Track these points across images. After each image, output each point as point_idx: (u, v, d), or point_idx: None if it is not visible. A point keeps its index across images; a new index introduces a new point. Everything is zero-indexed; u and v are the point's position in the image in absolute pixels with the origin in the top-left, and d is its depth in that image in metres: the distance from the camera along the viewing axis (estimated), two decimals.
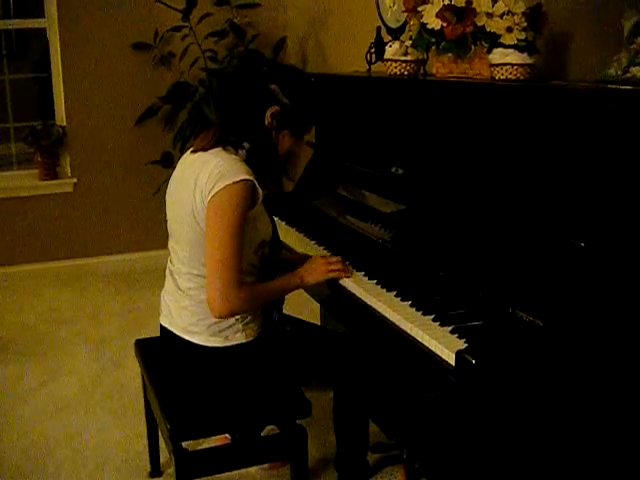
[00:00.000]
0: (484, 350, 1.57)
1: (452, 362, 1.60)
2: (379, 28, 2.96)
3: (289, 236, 2.63)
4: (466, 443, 1.88)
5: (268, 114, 2.04)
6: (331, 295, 2.28)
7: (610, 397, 1.60)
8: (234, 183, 1.90)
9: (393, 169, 2.33)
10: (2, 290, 4.41)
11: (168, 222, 2.14)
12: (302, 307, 2.98)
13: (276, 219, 2.75)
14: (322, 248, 2.46)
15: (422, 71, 2.58)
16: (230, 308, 1.94)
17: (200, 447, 2.24)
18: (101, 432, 2.85)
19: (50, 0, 4.29)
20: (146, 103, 4.40)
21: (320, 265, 2.16)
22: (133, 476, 2.57)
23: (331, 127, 2.93)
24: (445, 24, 2.10)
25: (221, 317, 1.97)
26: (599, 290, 1.60)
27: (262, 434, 2.36)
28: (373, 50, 2.94)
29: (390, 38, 2.83)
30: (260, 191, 1.99)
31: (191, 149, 2.10)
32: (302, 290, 2.31)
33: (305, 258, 2.26)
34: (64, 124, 4.48)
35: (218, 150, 2.02)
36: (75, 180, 4.55)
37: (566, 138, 1.70)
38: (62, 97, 4.45)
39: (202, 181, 1.94)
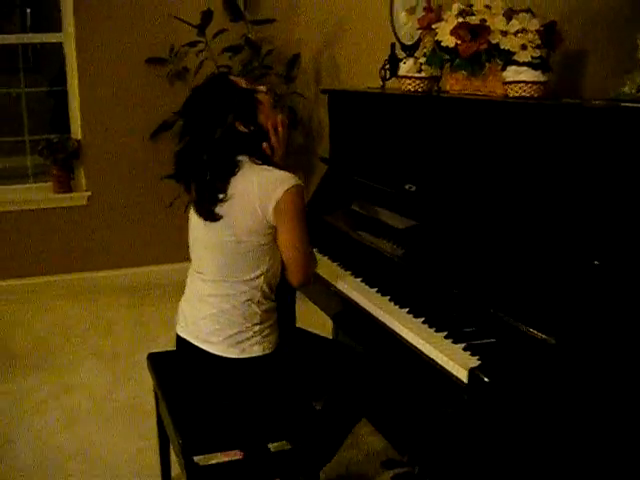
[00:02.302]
0: (497, 368, 1.56)
1: (465, 379, 1.60)
2: (393, 45, 2.97)
3: None
4: (478, 460, 1.87)
5: (240, 128, 2.07)
6: (343, 311, 2.29)
7: (622, 416, 1.59)
8: (294, 186, 2.01)
9: (407, 186, 2.34)
10: (15, 302, 4.43)
11: (191, 231, 2.16)
12: (314, 321, 2.99)
13: None
14: (336, 264, 2.46)
15: (436, 88, 2.59)
16: (309, 278, 2.15)
17: (211, 462, 2.24)
18: (112, 445, 2.86)
19: (67, 15, 4.34)
20: (161, 118, 4.43)
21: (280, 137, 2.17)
22: None
23: (345, 143, 2.93)
24: (459, 41, 2.11)
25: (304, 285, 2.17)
26: (612, 308, 1.59)
27: (272, 449, 2.35)
28: (387, 66, 2.95)
29: (404, 55, 2.84)
30: None
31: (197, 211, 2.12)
32: (315, 306, 2.32)
33: None
34: (79, 137, 4.52)
35: (250, 165, 2.07)
36: (90, 193, 4.58)
37: (580, 156, 1.70)
38: (78, 111, 4.48)
39: (257, 197, 1.99)
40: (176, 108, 4.34)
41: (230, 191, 2.02)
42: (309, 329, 2.39)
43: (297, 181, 2.02)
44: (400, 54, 2.93)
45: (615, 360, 1.57)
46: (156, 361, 2.41)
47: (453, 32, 2.11)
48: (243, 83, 2.15)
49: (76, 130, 4.54)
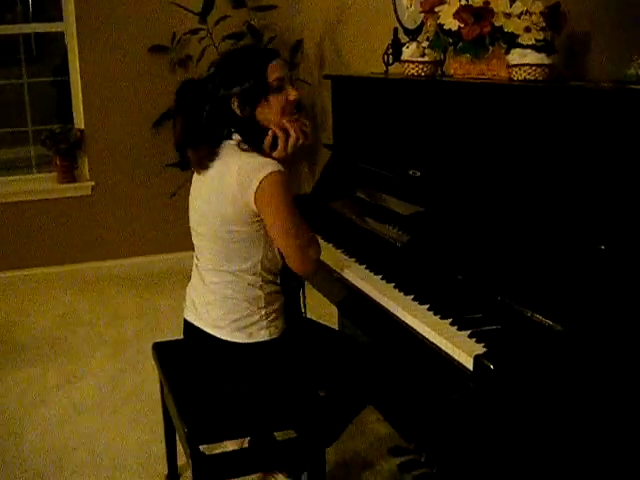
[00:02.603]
0: (503, 355, 1.55)
1: (470, 367, 1.58)
2: (396, 29, 2.94)
3: None
4: (484, 447, 1.86)
5: (236, 109, 2.03)
6: (347, 298, 2.27)
7: (630, 403, 1.58)
8: (274, 172, 1.93)
9: (411, 171, 2.32)
10: (21, 293, 4.44)
11: (191, 221, 2.15)
12: (322, 311, 2.98)
13: None
14: (340, 251, 2.44)
15: (440, 72, 2.57)
16: (312, 268, 2.08)
17: (217, 450, 2.24)
18: (119, 435, 2.86)
19: (68, 4, 4.32)
20: (163, 106, 4.38)
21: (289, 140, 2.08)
22: (150, 479, 2.57)
23: (348, 129, 2.91)
24: (462, 25, 2.08)
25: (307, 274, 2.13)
26: (619, 294, 1.57)
27: (278, 438, 2.35)
28: (390, 51, 2.92)
29: (407, 39, 2.81)
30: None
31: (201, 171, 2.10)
32: (323, 297, 2.30)
33: None
34: (82, 127, 4.51)
35: (233, 149, 2.02)
36: (93, 183, 4.58)
37: (585, 140, 1.68)
38: (80, 100, 4.48)
39: (232, 182, 1.95)
40: None
41: (211, 170, 2.01)
42: (316, 319, 2.38)
43: (278, 167, 1.95)
44: (403, 38, 2.90)
45: (623, 346, 1.56)
46: (161, 350, 2.40)
47: (456, 15, 2.08)
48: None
49: (79, 120, 4.53)
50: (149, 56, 4.44)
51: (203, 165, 2.04)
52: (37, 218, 4.51)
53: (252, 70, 2.02)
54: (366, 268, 2.24)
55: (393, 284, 2.09)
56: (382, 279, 2.15)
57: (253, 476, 2.45)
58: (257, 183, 1.92)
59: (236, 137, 2.05)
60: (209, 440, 2.03)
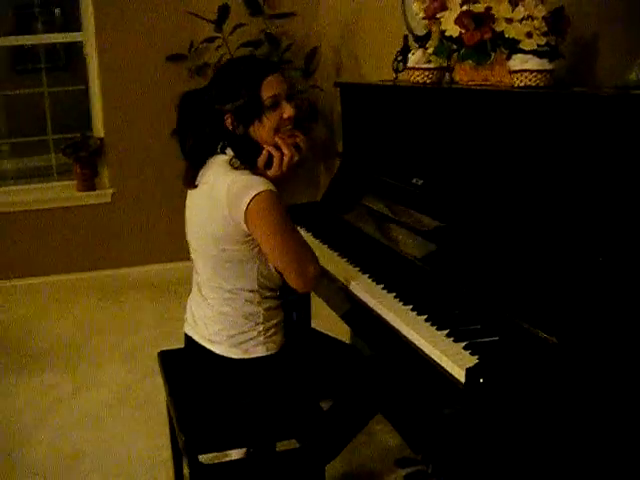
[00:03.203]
0: (494, 368, 1.51)
1: (462, 379, 1.55)
2: (406, 36, 2.92)
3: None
4: (478, 460, 1.82)
5: (229, 125, 1.99)
6: (351, 309, 2.25)
7: (623, 417, 1.53)
8: (263, 192, 1.88)
9: (414, 180, 2.29)
10: (40, 299, 4.50)
11: (187, 237, 2.14)
12: (332, 325, 2.96)
13: (302, 230, 2.74)
14: (345, 260, 2.42)
15: (448, 79, 2.53)
16: (313, 285, 2.05)
17: (224, 459, 2.24)
18: (128, 443, 2.87)
19: (87, 14, 4.37)
20: None
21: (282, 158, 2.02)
22: None
23: (357, 136, 2.89)
24: (463, 30, 2.05)
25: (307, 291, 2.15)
26: (617, 307, 1.53)
27: (279, 449, 2.34)
28: (400, 58, 2.90)
29: (416, 46, 2.78)
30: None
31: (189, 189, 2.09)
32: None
33: None
34: (102, 136, 4.55)
35: (224, 166, 1.97)
36: (113, 191, 4.62)
37: (583, 147, 1.64)
38: (100, 109, 4.52)
39: (222, 202, 1.91)
40: None
41: (202, 186, 1.99)
42: (326, 332, 2.37)
43: (268, 186, 1.90)
44: (413, 45, 2.87)
45: (619, 360, 1.51)
46: (166, 359, 2.41)
47: (457, 21, 2.05)
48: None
49: (99, 128, 4.57)
50: (167, 64, 4.47)
51: (189, 184, 2.03)
52: (57, 225, 4.56)
53: (245, 87, 1.96)
54: (369, 277, 2.22)
55: (394, 294, 2.06)
56: (383, 289, 2.12)
57: None
58: (246, 203, 1.87)
59: (229, 152, 2.01)
60: (207, 450, 2.02)
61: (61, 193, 4.60)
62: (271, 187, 1.90)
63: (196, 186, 2.03)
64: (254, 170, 1.99)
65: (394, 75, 2.94)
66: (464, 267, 1.94)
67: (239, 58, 2.16)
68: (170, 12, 4.41)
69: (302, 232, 2.71)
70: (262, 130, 2.00)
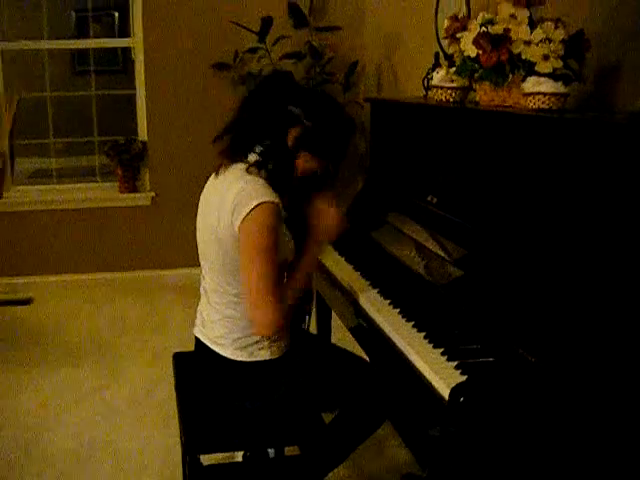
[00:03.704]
0: (477, 388, 1.52)
1: (446, 397, 1.56)
2: (437, 54, 2.93)
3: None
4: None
5: (291, 135, 2.03)
6: (358, 325, 2.26)
7: (598, 432, 1.51)
8: (263, 204, 1.90)
9: (429, 197, 2.30)
10: (76, 296, 4.63)
11: (198, 241, 2.18)
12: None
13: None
14: (358, 274, 2.44)
15: (476, 98, 2.54)
16: (277, 326, 1.97)
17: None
18: (144, 440, 2.93)
19: (136, 20, 4.49)
20: (224, 122, 4.49)
21: (335, 217, 2.11)
22: None
23: (384, 152, 2.91)
24: (481, 51, 2.06)
25: (269, 335, 2.02)
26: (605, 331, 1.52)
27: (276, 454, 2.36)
28: (430, 76, 2.91)
29: (446, 64, 2.79)
30: (282, 212, 2.00)
31: (214, 174, 2.12)
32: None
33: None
34: (145, 139, 4.66)
35: (241, 172, 2.00)
36: (153, 194, 4.72)
37: (589, 173, 1.63)
38: (144, 113, 4.63)
39: (227, 207, 1.94)
40: None
41: (216, 189, 2.03)
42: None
43: (273, 198, 1.92)
44: (443, 63, 2.88)
45: (600, 386, 1.50)
46: (178, 360, 2.46)
47: (474, 42, 2.06)
48: None
49: (142, 132, 4.69)
50: (212, 72, 4.55)
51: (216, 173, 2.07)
52: (98, 225, 4.70)
53: (336, 129, 2.06)
54: (378, 292, 2.23)
55: (398, 310, 2.08)
56: (390, 304, 2.13)
57: None
58: (247, 212, 1.90)
59: (252, 158, 2.04)
60: (205, 450, 2.06)
61: (103, 194, 4.73)
62: (276, 200, 1.93)
63: (217, 174, 2.06)
64: (268, 180, 2.00)
65: (424, 92, 2.96)
66: (471, 289, 1.94)
67: (341, 107, 2.18)
68: (217, 21, 4.50)
69: None
70: (303, 162, 2.06)
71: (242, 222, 1.90)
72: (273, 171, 2.02)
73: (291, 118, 2.02)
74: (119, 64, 6.84)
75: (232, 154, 2.09)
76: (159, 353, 3.77)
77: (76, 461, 2.78)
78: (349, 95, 4.37)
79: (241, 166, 2.03)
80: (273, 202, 1.92)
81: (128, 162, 4.61)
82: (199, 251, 2.17)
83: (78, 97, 5.14)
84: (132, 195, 4.71)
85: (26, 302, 4.52)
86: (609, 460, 1.48)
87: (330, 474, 2.55)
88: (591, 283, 1.58)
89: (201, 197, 2.15)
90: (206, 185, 2.15)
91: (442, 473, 2.19)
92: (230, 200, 1.94)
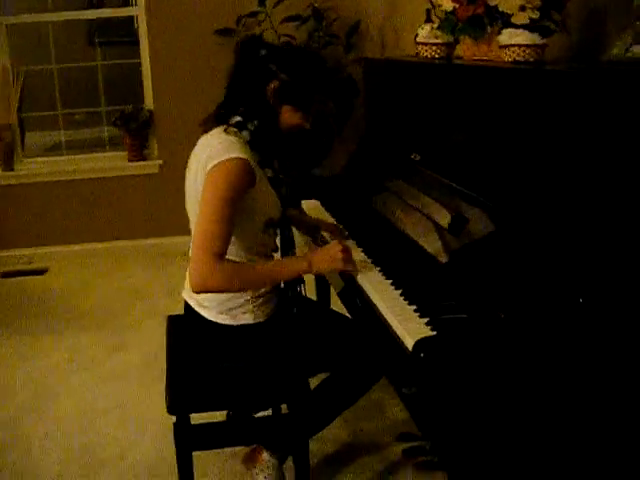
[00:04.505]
0: (440, 343, 1.52)
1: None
2: (428, 10, 2.87)
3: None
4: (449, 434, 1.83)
5: (269, 91, 2.05)
6: (345, 287, 2.27)
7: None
8: (227, 160, 1.91)
9: (412, 155, 2.28)
10: (87, 265, 4.71)
11: (185, 205, 2.20)
12: None
13: (316, 203, 2.78)
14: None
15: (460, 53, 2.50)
16: (204, 283, 1.89)
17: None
18: (147, 405, 2.98)
19: None
20: None
21: (337, 253, 2.01)
22: (168, 447, 2.67)
23: (378, 112, 2.89)
24: (457, 5, 2.02)
25: (197, 292, 1.96)
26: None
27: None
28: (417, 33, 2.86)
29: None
30: (259, 170, 2.02)
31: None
32: None
33: (317, 226, 2.34)
34: (152, 108, 4.68)
35: (219, 132, 2.04)
36: (161, 162, 4.75)
37: (574, 125, 1.60)
38: (150, 82, 4.64)
39: (201, 166, 1.98)
40: None
41: (197, 147, 2.07)
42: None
43: (245, 155, 1.94)
44: (436, 20, 2.83)
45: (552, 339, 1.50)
46: (171, 323, 2.50)
47: None
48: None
49: (149, 101, 4.70)
50: (215, 38, 4.52)
51: (207, 128, 2.11)
52: (107, 194, 4.75)
53: (314, 80, 2.10)
54: (363, 252, 2.24)
55: (379, 268, 2.08)
56: (372, 263, 2.13)
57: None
58: (213, 165, 1.92)
59: (233, 120, 2.06)
60: (188, 410, 2.08)
61: (112, 163, 4.77)
62: (243, 156, 1.94)
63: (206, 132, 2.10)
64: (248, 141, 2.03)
65: (416, 49, 2.91)
66: (453, 249, 1.93)
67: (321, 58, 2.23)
68: None
69: (316, 203, 2.77)
70: (288, 116, 2.09)
71: (207, 175, 1.93)
72: (256, 130, 2.04)
73: (267, 74, 2.05)
74: (134, 35, 6.86)
75: (216, 119, 2.11)
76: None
77: (81, 423, 2.85)
78: (351, 56, 4.32)
79: (220, 128, 2.06)
80: (241, 158, 1.93)
81: (135, 131, 4.63)
82: (189, 217, 2.19)
83: (93, 68, 5.16)
84: (140, 163, 4.74)
85: (40, 272, 4.61)
86: (568, 418, 1.48)
87: (330, 435, 2.61)
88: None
89: (187, 168, 2.17)
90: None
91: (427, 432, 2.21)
92: (204, 160, 1.97)
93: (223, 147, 1.96)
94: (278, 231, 2.22)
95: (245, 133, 2.05)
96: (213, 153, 1.95)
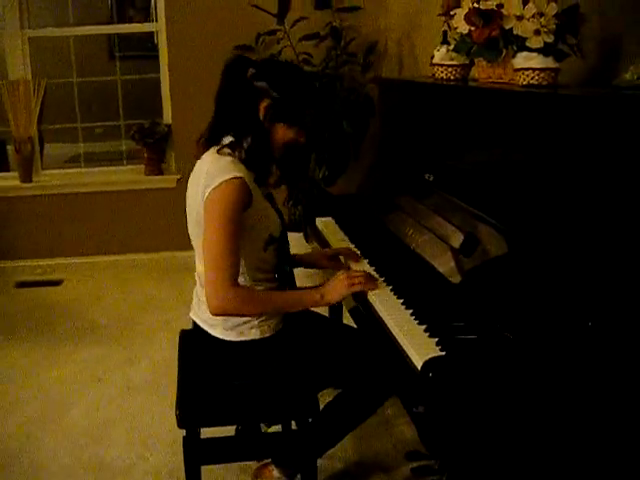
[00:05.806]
0: (449, 364, 1.53)
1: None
2: (445, 32, 2.90)
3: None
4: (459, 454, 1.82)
5: (261, 109, 2.06)
6: (355, 307, 2.28)
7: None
8: (223, 182, 1.92)
9: (426, 175, 2.30)
10: (103, 277, 4.76)
11: (187, 227, 2.22)
12: None
13: (330, 220, 2.80)
14: (354, 245, 2.47)
15: (475, 75, 2.52)
16: (223, 307, 1.95)
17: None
18: (157, 416, 3.00)
19: (160, 5, 4.54)
20: None
21: (343, 280, 2.07)
22: (178, 460, 2.68)
23: (392, 132, 2.91)
24: (472, 28, 2.04)
25: (215, 315, 2.00)
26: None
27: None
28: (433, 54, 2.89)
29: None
30: (255, 187, 2.03)
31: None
32: None
33: (321, 260, 2.35)
34: (170, 122, 4.73)
35: (212, 154, 2.05)
36: (179, 176, 4.79)
37: (585, 149, 1.61)
38: (168, 97, 4.70)
39: (199, 189, 1.99)
40: None
41: (194, 171, 2.09)
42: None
43: (242, 174, 1.95)
44: (452, 42, 2.85)
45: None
46: (183, 337, 2.52)
47: (466, 18, 2.05)
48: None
49: (167, 115, 4.75)
50: (234, 56, 4.57)
51: (199, 153, 2.13)
52: (124, 208, 4.79)
53: (305, 95, 2.11)
54: (374, 277, 2.24)
55: (391, 287, 2.09)
56: (384, 281, 2.14)
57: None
58: (211, 189, 1.93)
59: (226, 140, 2.07)
60: (196, 425, 2.10)
61: (130, 177, 4.82)
62: (239, 174, 1.94)
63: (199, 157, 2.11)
64: (242, 160, 2.03)
65: (432, 70, 2.93)
66: (465, 269, 1.94)
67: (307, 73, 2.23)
68: (238, 4, 4.52)
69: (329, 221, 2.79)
70: (282, 132, 2.09)
71: (206, 200, 1.95)
72: (250, 148, 2.04)
73: (257, 93, 2.06)
74: (154, 50, 6.95)
75: (208, 140, 2.14)
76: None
77: (92, 435, 2.87)
78: (368, 75, 4.35)
79: (213, 149, 2.07)
80: (237, 177, 1.94)
81: (153, 145, 4.68)
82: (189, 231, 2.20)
83: (113, 82, 5.22)
84: (158, 177, 4.79)
85: (56, 283, 4.65)
86: (579, 434, 1.48)
87: (338, 452, 2.61)
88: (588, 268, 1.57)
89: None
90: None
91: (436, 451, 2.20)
92: (202, 183, 1.98)
93: (218, 170, 1.97)
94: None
95: (241, 152, 2.04)
96: (209, 179, 1.95)
